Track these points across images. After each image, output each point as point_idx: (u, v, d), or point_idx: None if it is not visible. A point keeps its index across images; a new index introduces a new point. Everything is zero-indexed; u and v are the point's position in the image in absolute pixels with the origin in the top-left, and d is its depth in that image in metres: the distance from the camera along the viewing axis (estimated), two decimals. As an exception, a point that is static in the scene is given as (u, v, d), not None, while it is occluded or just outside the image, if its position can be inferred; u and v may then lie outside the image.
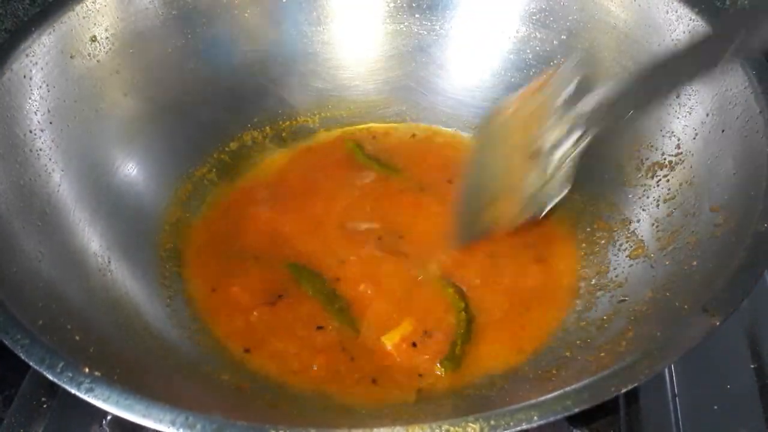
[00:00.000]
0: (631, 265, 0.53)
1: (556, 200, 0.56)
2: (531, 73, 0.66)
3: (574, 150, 0.54)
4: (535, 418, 0.34)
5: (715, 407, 0.50)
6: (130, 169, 0.59)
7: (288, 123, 0.69)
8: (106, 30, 0.59)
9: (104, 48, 0.59)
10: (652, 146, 0.56)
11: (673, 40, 0.56)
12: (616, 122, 0.53)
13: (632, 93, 0.51)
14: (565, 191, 0.55)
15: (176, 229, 0.61)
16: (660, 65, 0.51)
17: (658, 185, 0.55)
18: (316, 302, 0.55)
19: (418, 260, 0.58)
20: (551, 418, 0.34)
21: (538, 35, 0.65)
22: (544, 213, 0.56)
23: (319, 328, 0.54)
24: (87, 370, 0.36)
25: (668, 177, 0.54)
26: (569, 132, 0.54)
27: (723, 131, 0.51)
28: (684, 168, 0.53)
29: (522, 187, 0.56)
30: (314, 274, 0.57)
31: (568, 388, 0.35)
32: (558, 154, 0.54)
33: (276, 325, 0.54)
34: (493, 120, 0.60)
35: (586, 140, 0.53)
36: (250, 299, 0.56)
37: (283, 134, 0.69)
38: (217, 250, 0.60)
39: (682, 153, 0.54)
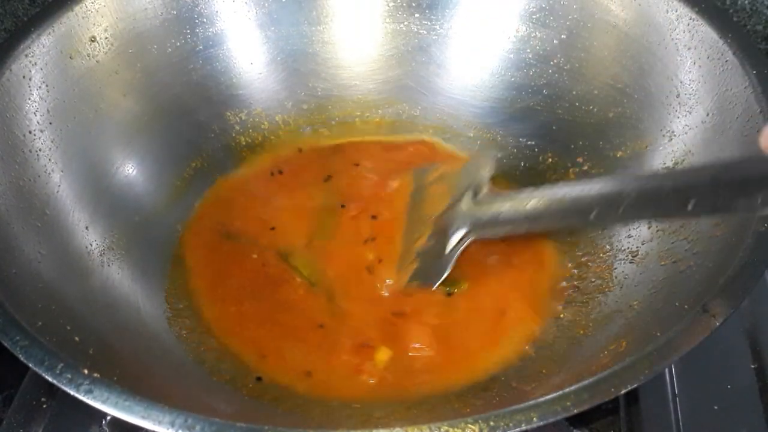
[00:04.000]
0: (631, 265, 0.53)
1: (441, 279, 0.55)
2: (531, 73, 0.65)
3: (459, 246, 0.54)
4: (535, 418, 0.34)
5: (715, 407, 0.50)
6: (130, 170, 0.59)
7: (288, 123, 0.69)
8: (106, 30, 0.59)
9: (104, 48, 0.59)
10: (651, 146, 0.56)
11: (673, 39, 0.56)
12: (495, 236, 0.55)
13: (521, 216, 0.51)
14: (444, 275, 0.55)
15: (176, 229, 0.61)
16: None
17: (658, 185, 0.55)
18: (318, 297, 0.56)
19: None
20: (551, 419, 0.34)
21: (538, 34, 0.65)
22: (435, 287, 0.55)
23: (321, 326, 0.54)
24: (86, 371, 0.36)
25: (668, 177, 0.54)
26: (458, 225, 0.55)
27: (723, 131, 0.51)
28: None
29: (415, 252, 0.57)
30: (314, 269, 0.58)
31: (567, 389, 0.35)
32: (454, 239, 0.55)
33: (278, 325, 0.54)
34: (421, 179, 0.63)
35: (467, 242, 0.54)
36: (250, 298, 0.56)
37: (283, 134, 0.69)
38: (218, 249, 0.60)
39: (682, 153, 0.54)
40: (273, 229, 0.61)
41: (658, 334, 0.40)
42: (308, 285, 0.57)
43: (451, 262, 0.54)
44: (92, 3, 0.57)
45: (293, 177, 0.66)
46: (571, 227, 0.57)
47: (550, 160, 0.64)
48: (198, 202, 0.63)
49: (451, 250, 0.54)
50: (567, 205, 0.48)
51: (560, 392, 0.35)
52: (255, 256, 0.59)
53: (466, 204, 0.55)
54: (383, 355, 0.52)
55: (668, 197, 0.40)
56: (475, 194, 0.55)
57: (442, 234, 0.56)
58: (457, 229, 0.55)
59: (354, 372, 0.51)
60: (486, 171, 0.57)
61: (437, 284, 0.55)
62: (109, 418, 0.51)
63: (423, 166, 0.64)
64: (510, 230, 0.53)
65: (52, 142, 0.53)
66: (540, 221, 0.50)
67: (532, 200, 0.50)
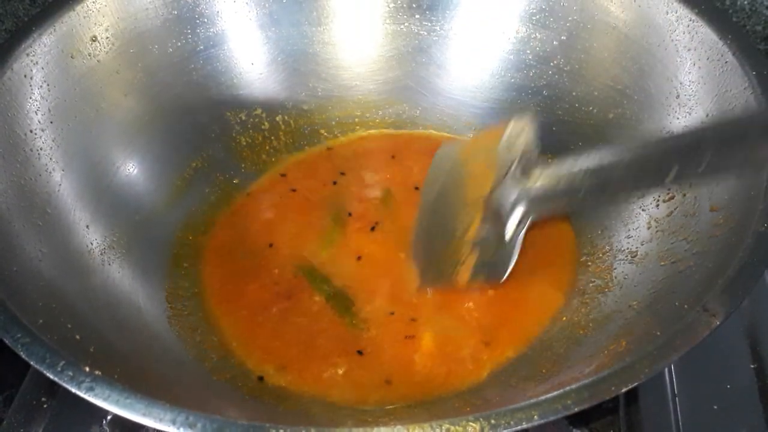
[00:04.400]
0: (630, 265, 0.53)
1: (510, 268, 0.51)
2: (531, 74, 0.66)
3: (521, 229, 0.49)
4: (536, 417, 0.34)
5: (715, 407, 0.50)
6: (131, 169, 0.59)
7: (288, 123, 0.69)
8: (107, 30, 0.59)
9: (105, 48, 0.59)
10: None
11: (672, 40, 0.56)
12: (556, 212, 0.49)
13: (583, 185, 0.45)
14: (511, 265, 0.51)
15: (177, 229, 0.61)
16: (623, 166, 0.44)
17: (657, 185, 0.55)
18: (322, 302, 0.56)
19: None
20: (551, 418, 0.34)
21: (538, 36, 0.65)
22: (504, 278, 0.52)
23: (323, 329, 0.54)
24: (87, 369, 0.36)
25: (668, 177, 0.54)
26: (513, 205, 0.49)
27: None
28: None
29: (471, 243, 0.51)
30: (321, 275, 0.57)
31: (568, 388, 0.35)
32: (512, 222, 0.50)
33: (279, 325, 0.54)
34: (443, 162, 0.56)
35: (528, 223, 0.49)
36: (250, 296, 0.56)
37: (283, 134, 0.69)
38: (218, 248, 0.60)
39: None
40: (280, 233, 0.61)
41: (658, 333, 0.40)
42: (323, 295, 0.56)
43: (516, 249, 0.49)
44: (93, 3, 0.57)
45: (298, 182, 0.66)
46: (643, 192, 0.50)
47: (550, 160, 0.64)
48: (200, 202, 0.63)
49: (513, 234, 0.49)
50: (640, 164, 0.42)
51: (561, 391, 0.35)
52: (259, 258, 0.59)
53: (515, 179, 0.48)
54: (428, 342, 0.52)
55: None
56: (523, 168, 0.48)
57: (496, 218, 0.49)
58: (514, 209, 0.48)
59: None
60: (528, 138, 0.50)
61: (506, 276, 0.50)
62: (109, 417, 0.51)
63: (448, 145, 0.57)
64: (571, 204, 0.48)
65: (53, 141, 0.53)
66: (607, 189, 0.44)
67: (594, 162, 0.44)
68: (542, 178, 0.47)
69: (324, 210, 0.63)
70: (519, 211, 0.48)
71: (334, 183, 0.65)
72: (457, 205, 0.52)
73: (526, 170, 0.48)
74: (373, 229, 0.61)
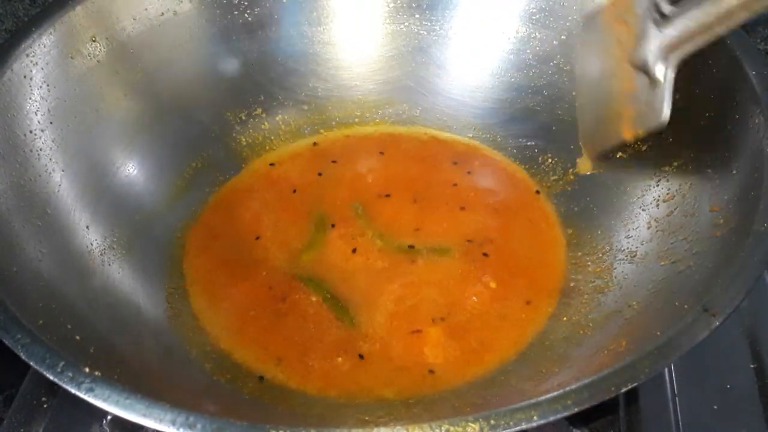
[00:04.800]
0: (630, 265, 0.53)
1: (667, 110, 0.49)
2: (531, 74, 0.66)
3: (669, 71, 0.48)
4: (535, 417, 0.34)
5: (715, 407, 0.50)
6: (131, 169, 0.60)
7: (288, 123, 0.69)
8: (107, 30, 0.59)
9: (104, 48, 0.59)
10: (651, 147, 0.57)
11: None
12: (701, 43, 0.46)
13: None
14: (668, 107, 0.49)
15: (177, 229, 0.61)
16: None
17: (657, 185, 0.55)
18: (319, 304, 0.55)
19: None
20: (551, 418, 0.34)
21: (538, 35, 0.65)
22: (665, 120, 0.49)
23: (323, 329, 0.54)
24: (87, 369, 0.36)
25: (668, 177, 0.54)
26: (656, 47, 0.48)
27: (722, 131, 0.51)
28: (683, 168, 0.53)
29: (634, 94, 0.51)
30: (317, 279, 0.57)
31: (568, 388, 0.35)
32: (659, 66, 0.48)
33: (278, 326, 0.54)
34: (591, 20, 0.56)
35: (675, 63, 0.47)
36: (251, 299, 0.56)
37: (283, 134, 0.69)
38: (218, 248, 0.60)
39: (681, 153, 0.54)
40: (280, 234, 0.61)
41: (658, 333, 0.40)
42: (316, 294, 0.56)
43: (668, 89, 0.48)
44: (93, 3, 0.58)
45: (296, 180, 0.66)
46: None
47: (550, 160, 0.64)
48: (200, 203, 0.63)
49: (663, 75, 0.48)
50: None
51: (561, 391, 0.35)
52: (258, 259, 0.59)
53: (654, 23, 0.48)
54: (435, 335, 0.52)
55: None
56: (659, 12, 0.48)
57: (645, 66, 0.49)
58: (659, 51, 0.48)
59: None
60: None
61: (666, 118, 0.48)
62: (109, 417, 0.51)
63: (591, 11, 0.56)
64: (713, 33, 0.45)
65: (53, 141, 0.53)
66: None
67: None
68: (679, 18, 0.47)
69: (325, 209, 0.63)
70: (664, 52, 0.48)
71: (319, 174, 0.65)
72: (612, 67, 0.53)
73: (662, 14, 0.48)
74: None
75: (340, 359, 0.52)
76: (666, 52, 0.48)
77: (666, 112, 0.48)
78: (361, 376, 0.51)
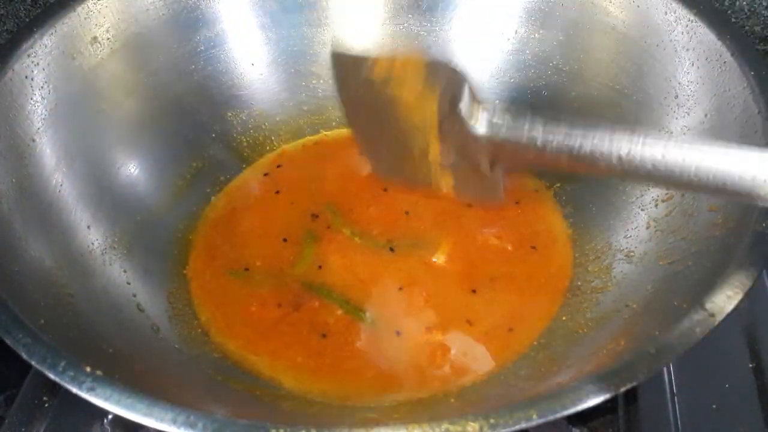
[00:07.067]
0: (629, 265, 0.53)
1: (501, 195, 0.50)
2: (530, 74, 0.66)
3: (497, 169, 0.48)
4: (535, 416, 0.34)
5: (714, 407, 0.50)
6: (132, 169, 0.60)
7: (288, 124, 0.69)
8: (108, 31, 0.59)
9: (105, 49, 0.59)
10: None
11: (671, 41, 0.56)
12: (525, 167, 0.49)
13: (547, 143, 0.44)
14: (501, 190, 0.51)
15: (178, 229, 0.61)
16: None
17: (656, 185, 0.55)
18: (322, 304, 0.56)
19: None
20: (550, 417, 0.34)
21: (537, 36, 0.65)
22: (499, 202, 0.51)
23: (324, 335, 0.54)
24: (89, 369, 0.37)
25: (667, 177, 0.55)
26: (477, 150, 0.47)
27: (721, 132, 0.51)
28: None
29: (438, 165, 0.50)
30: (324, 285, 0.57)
31: (567, 387, 0.35)
32: (484, 164, 0.48)
33: (278, 326, 0.54)
34: (350, 70, 0.52)
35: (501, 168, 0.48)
36: (251, 299, 0.56)
37: (283, 135, 0.69)
38: (219, 249, 0.60)
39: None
40: (280, 236, 0.61)
41: (657, 333, 0.40)
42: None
43: (499, 180, 0.49)
44: (94, 4, 0.58)
45: (297, 180, 0.66)
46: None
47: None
48: (201, 203, 0.63)
49: (491, 173, 0.48)
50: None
51: (559, 390, 0.35)
52: (259, 259, 0.59)
53: (463, 120, 0.47)
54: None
55: None
56: (467, 110, 0.47)
57: (461, 154, 0.48)
58: (479, 154, 0.47)
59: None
60: (454, 79, 0.49)
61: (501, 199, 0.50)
62: (110, 416, 0.51)
63: (345, 54, 0.53)
64: (539, 161, 0.45)
65: (54, 141, 0.53)
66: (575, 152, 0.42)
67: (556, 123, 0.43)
68: (503, 128, 0.46)
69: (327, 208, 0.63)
70: (486, 157, 0.47)
71: (320, 174, 0.65)
72: (402, 125, 0.50)
73: (472, 113, 0.47)
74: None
75: (340, 359, 0.52)
76: (489, 158, 0.46)
77: (501, 195, 0.48)
78: (360, 376, 0.51)
